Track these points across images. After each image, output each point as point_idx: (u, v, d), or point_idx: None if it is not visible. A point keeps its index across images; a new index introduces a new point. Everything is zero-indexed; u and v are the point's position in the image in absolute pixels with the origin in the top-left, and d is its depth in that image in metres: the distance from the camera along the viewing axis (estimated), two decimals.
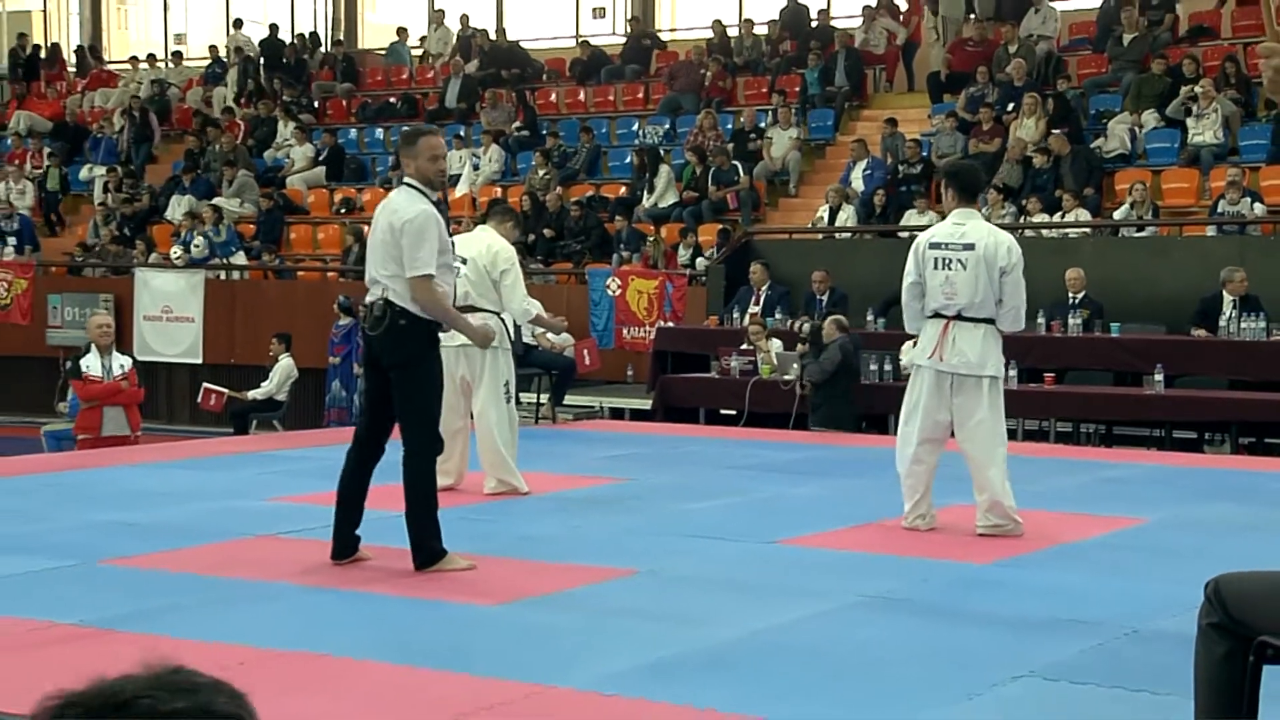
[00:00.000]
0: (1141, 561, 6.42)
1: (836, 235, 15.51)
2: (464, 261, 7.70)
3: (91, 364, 10.19)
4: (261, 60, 22.60)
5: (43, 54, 24.90)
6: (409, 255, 5.75)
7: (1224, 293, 11.87)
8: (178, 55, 24.65)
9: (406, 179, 6.01)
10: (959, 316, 6.74)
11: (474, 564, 5.95)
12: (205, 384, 15.05)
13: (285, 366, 14.93)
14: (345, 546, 6.00)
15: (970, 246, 6.68)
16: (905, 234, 13.92)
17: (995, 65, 16.94)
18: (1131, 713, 4.19)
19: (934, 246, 6.79)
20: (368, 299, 5.92)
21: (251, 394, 14.91)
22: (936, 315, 6.81)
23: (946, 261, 6.72)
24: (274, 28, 23.43)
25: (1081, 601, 5.47)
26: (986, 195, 14.23)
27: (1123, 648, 4.85)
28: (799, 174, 17.30)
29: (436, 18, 22.76)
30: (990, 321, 6.75)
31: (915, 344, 6.95)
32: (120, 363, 10.34)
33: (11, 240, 19.42)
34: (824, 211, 15.66)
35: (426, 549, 5.88)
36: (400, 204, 5.87)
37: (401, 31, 23.00)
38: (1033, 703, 4.29)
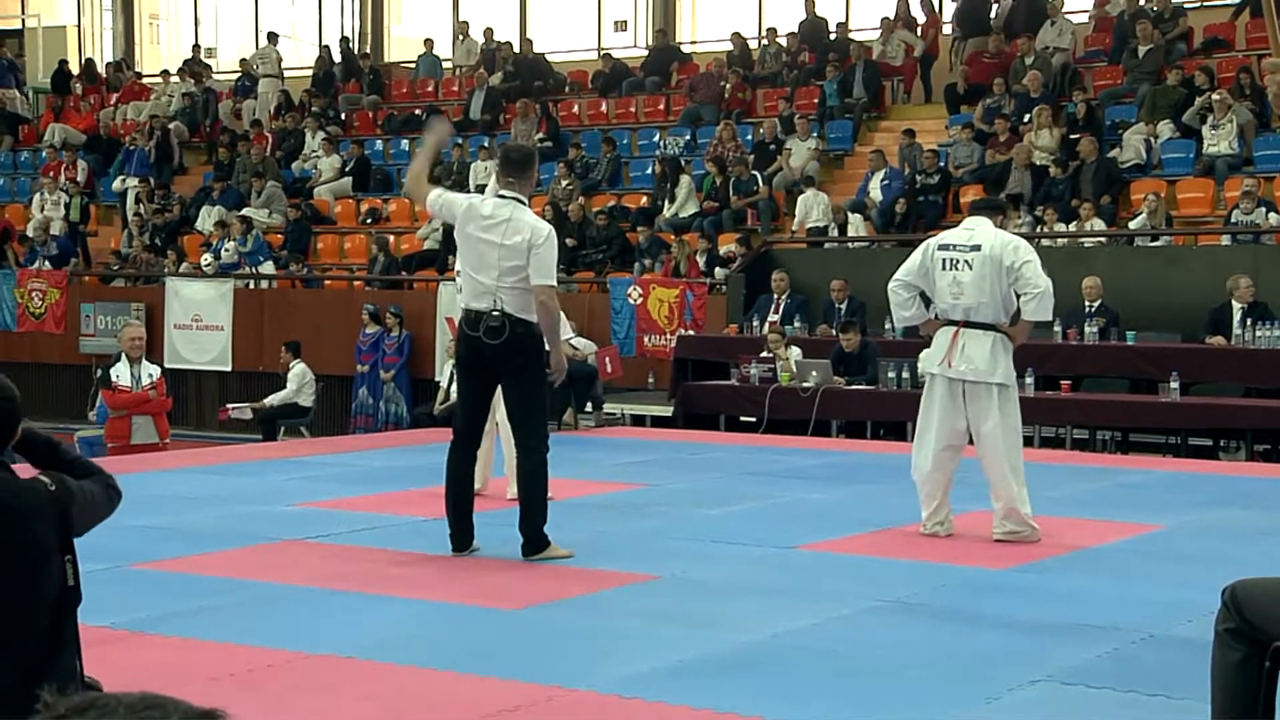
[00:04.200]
0: (1158, 567, 6.42)
1: (854, 244, 15.60)
2: None
3: (121, 373, 10.26)
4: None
5: (76, 69, 25.25)
6: (544, 266, 6.26)
7: (1232, 301, 11.93)
8: (208, 68, 24.91)
9: (515, 195, 6.38)
10: (967, 323, 6.79)
11: (572, 552, 6.38)
12: (228, 405, 15.54)
13: (299, 373, 15.23)
14: (468, 537, 6.41)
15: (977, 248, 6.75)
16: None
17: (1012, 77, 17.01)
18: (1147, 717, 4.21)
19: (943, 248, 6.87)
20: (477, 306, 6.29)
21: (267, 400, 15.18)
22: (947, 322, 6.88)
23: (954, 262, 6.79)
24: (326, 49, 23.67)
25: (1098, 606, 5.50)
26: (1007, 212, 14.27)
27: (1139, 653, 4.87)
28: (818, 184, 17.36)
29: (461, 29, 22.93)
30: (998, 329, 6.80)
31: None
32: (149, 372, 10.40)
33: (46, 262, 19.57)
34: (834, 229, 15.78)
35: (542, 539, 6.31)
36: (528, 218, 6.35)
37: (428, 43, 23.19)
38: (1049, 707, 4.31)
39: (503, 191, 6.43)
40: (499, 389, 6.52)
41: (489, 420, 6.93)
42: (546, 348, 6.44)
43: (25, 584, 3.08)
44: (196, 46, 24.88)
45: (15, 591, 3.07)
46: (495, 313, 6.23)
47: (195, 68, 23.79)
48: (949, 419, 6.86)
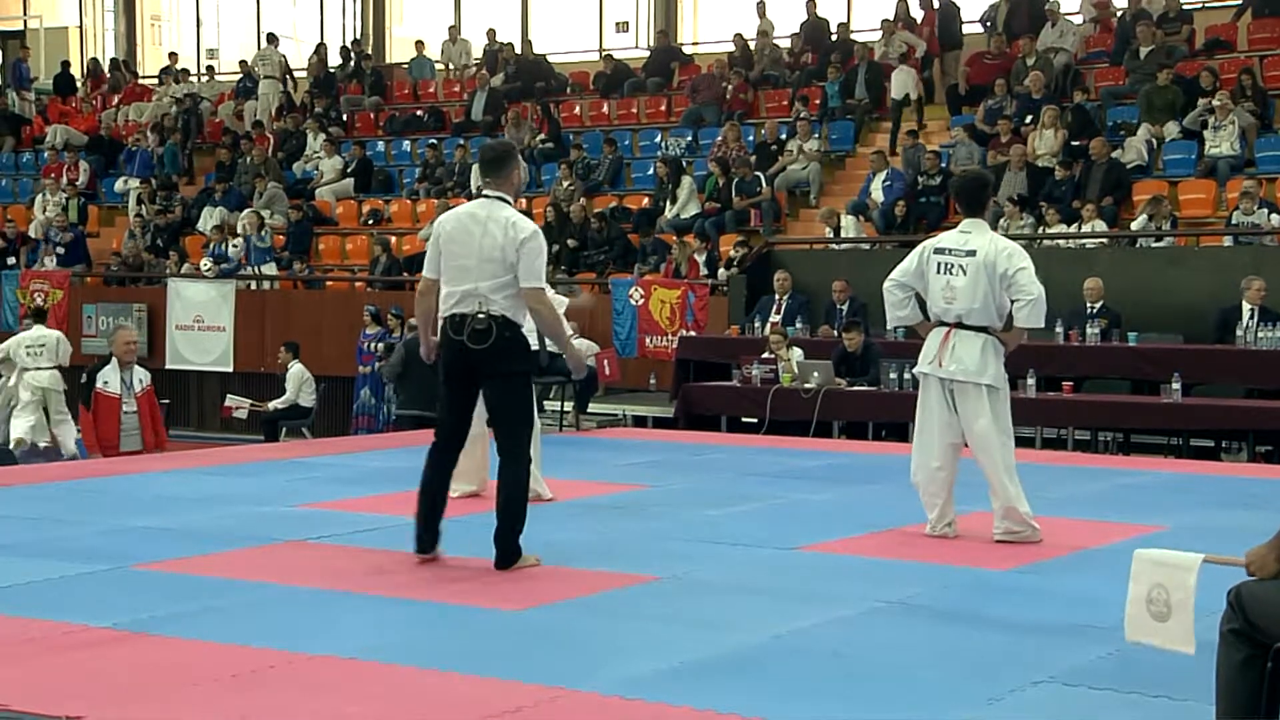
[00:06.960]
0: None
1: (855, 245, 15.59)
2: None
3: (110, 378, 9.92)
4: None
5: (79, 70, 25.27)
6: (530, 267, 5.98)
7: (1243, 301, 11.92)
8: (210, 70, 24.90)
9: (498, 193, 6.16)
10: (959, 325, 6.81)
11: (539, 558, 6.20)
12: (229, 397, 15.45)
13: (296, 373, 15.29)
14: (434, 540, 6.22)
15: (972, 253, 6.77)
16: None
17: (1013, 78, 17.01)
18: (1149, 718, 4.22)
19: (938, 252, 6.89)
20: (461, 310, 6.01)
21: (272, 404, 15.22)
22: (939, 324, 6.91)
23: (949, 266, 6.82)
24: (322, 48, 23.63)
25: (1100, 607, 5.45)
26: (1000, 207, 14.31)
27: (1141, 653, 4.77)
28: (819, 185, 17.38)
29: (452, 32, 22.93)
30: (990, 331, 6.82)
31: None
32: (139, 378, 10.05)
33: (59, 250, 19.54)
34: (829, 232, 15.81)
35: (514, 550, 6.12)
36: (514, 217, 6.08)
37: (419, 45, 23.19)
38: (1051, 708, 4.31)
39: (486, 191, 6.25)
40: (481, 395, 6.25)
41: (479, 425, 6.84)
42: (535, 348, 6.29)
43: None
44: (272, 34, 24.44)
45: None
46: (481, 315, 5.96)
47: (256, 66, 23.59)
48: (945, 417, 6.88)
